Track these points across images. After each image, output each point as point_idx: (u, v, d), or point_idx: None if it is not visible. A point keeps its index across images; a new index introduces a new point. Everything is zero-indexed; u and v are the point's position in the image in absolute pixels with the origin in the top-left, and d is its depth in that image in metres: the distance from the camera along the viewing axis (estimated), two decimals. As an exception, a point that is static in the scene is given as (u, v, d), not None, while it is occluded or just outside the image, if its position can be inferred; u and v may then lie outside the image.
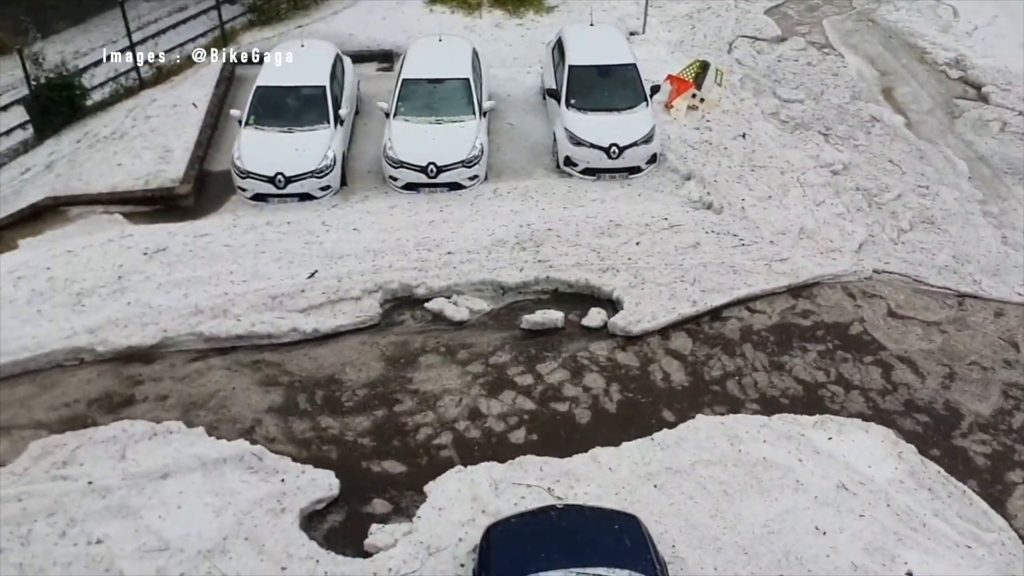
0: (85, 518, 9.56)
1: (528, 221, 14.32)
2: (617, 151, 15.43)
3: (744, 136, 16.74)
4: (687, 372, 11.91)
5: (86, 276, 12.99)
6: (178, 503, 9.72)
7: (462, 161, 15.20)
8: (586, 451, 10.55)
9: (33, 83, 17.35)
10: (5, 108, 19.96)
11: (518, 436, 10.93)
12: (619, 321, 12.45)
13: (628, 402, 11.45)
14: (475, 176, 15.41)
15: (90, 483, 9.93)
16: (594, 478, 10.16)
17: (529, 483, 10.00)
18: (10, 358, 11.70)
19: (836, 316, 12.86)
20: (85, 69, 19.02)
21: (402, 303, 13.05)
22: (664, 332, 12.45)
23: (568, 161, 15.77)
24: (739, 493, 10.05)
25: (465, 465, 10.35)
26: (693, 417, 11.09)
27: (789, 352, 12.25)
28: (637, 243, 13.83)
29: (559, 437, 10.90)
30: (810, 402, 11.50)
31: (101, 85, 19.10)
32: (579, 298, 13.11)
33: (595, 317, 12.66)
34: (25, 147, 17.91)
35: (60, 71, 17.91)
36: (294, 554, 9.26)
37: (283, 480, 10.05)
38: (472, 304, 12.89)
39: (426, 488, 10.08)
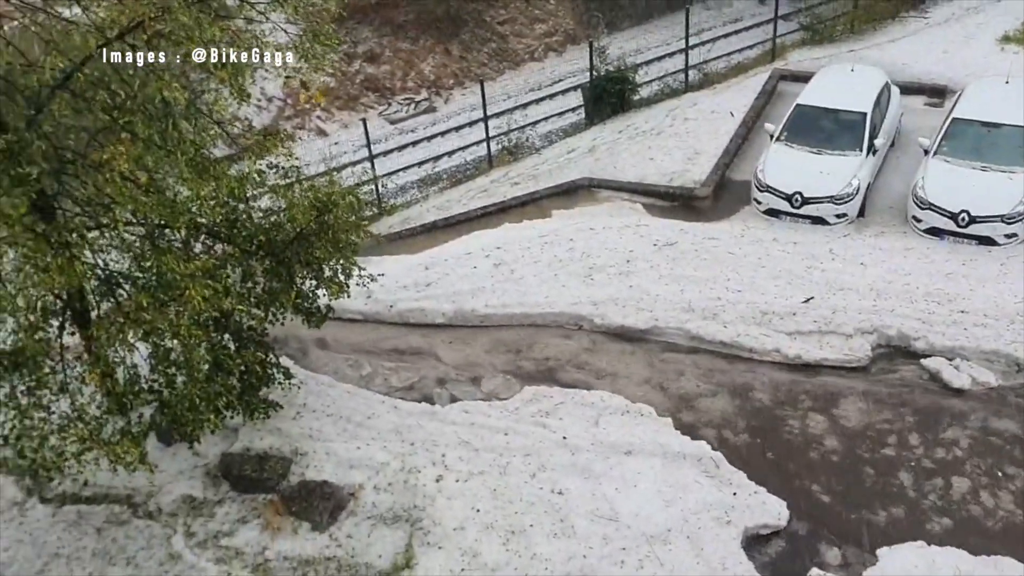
0: (554, 468, 10.50)
1: (1071, 297, 12.52)
2: None
3: None
4: None
5: (600, 253, 14.20)
6: (635, 482, 10.24)
7: (1001, 216, 13.74)
8: (1083, 575, 9.03)
9: (594, 73, 19.28)
10: (565, 92, 22.54)
11: (1001, 530, 9.68)
12: None
13: None
14: (1014, 235, 13.83)
15: (564, 438, 10.88)
16: (1087, 609, 8.67)
17: (1002, 587, 8.86)
18: (523, 310, 13.27)
19: None
20: (639, 66, 20.64)
21: (894, 352, 12.22)
22: None
23: None
24: None
25: (928, 544, 9.46)
26: None
27: None
28: None
29: (1050, 549, 9.46)
30: None
31: (649, 83, 20.62)
32: (1115, 400, 11.16)
33: None
34: (575, 129, 20.10)
35: (619, 65, 19.66)
36: (730, 568, 9.25)
37: (735, 494, 10.08)
38: (976, 373, 11.61)
39: (879, 552, 9.42)
